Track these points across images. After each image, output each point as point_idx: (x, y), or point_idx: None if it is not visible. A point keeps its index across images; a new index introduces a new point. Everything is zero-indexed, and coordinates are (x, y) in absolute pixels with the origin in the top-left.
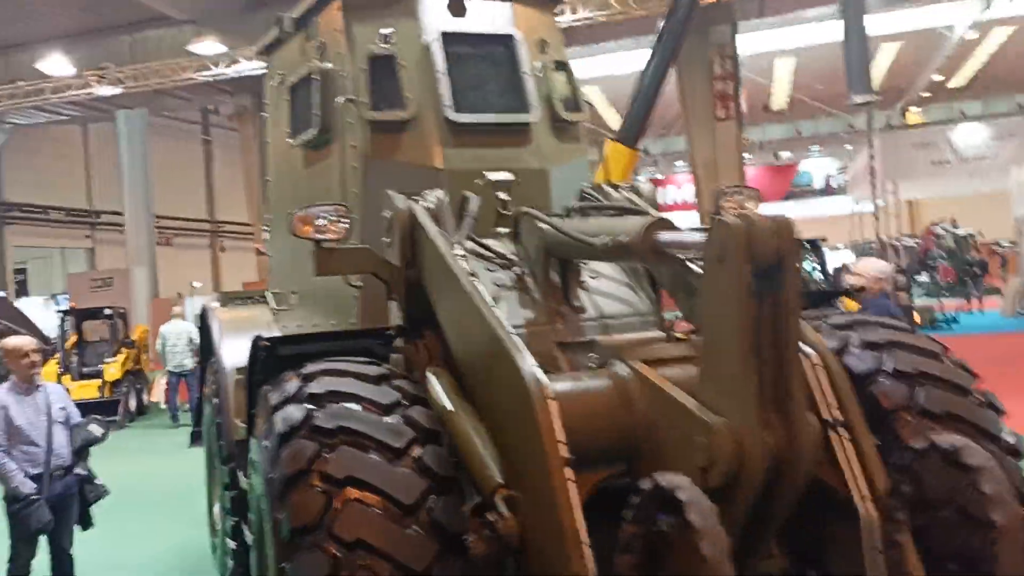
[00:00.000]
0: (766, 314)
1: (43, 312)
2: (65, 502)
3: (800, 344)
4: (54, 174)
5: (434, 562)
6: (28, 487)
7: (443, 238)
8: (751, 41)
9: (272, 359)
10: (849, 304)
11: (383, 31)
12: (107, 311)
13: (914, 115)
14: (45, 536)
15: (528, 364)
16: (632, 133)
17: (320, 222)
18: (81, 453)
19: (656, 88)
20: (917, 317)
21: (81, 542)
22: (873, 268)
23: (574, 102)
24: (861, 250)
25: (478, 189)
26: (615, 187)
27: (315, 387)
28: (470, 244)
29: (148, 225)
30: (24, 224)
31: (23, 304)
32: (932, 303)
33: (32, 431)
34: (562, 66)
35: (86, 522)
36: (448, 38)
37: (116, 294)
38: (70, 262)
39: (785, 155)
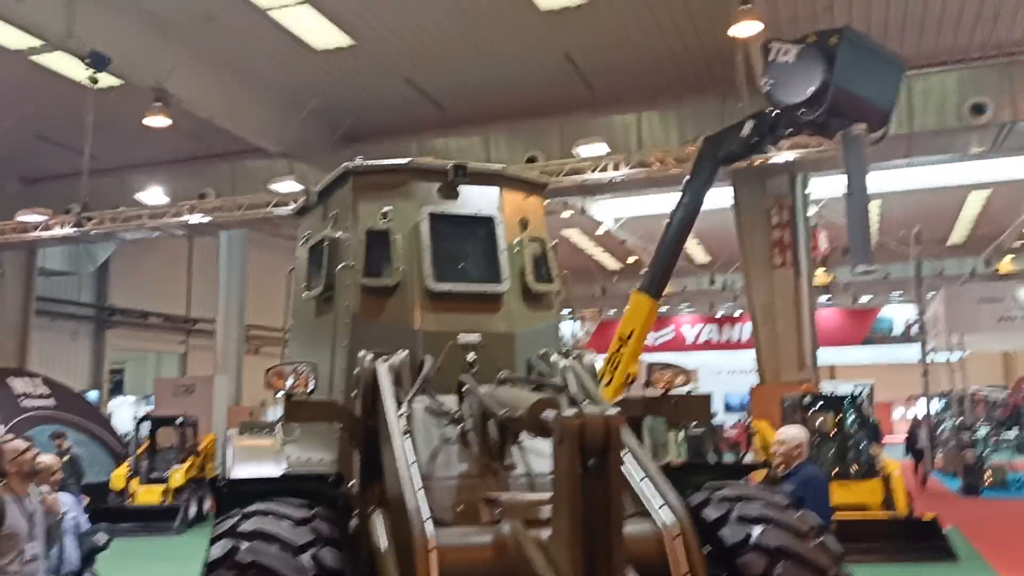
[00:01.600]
0: (594, 494)
1: (132, 411)
2: None
3: (666, 515)
4: (157, 282)
5: None
6: None
7: (392, 398)
8: (835, 183)
9: (233, 495)
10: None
11: (384, 209)
12: (179, 419)
13: (1007, 264)
14: None
15: (419, 518)
16: (654, 284)
17: (290, 380)
18: (88, 560)
19: (679, 242)
20: (988, 477)
21: None
22: (793, 436)
23: (547, 274)
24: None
25: (450, 349)
26: (566, 355)
27: (246, 526)
28: (426, 401)
29: (238, 334)
30: (124, 328)
31: (116, 403)
32: (1005, 461)
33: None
34: (537, 241)
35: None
36: (436, 218)
37: (198, 400)
38: (164, 364)
39: (865, 298)
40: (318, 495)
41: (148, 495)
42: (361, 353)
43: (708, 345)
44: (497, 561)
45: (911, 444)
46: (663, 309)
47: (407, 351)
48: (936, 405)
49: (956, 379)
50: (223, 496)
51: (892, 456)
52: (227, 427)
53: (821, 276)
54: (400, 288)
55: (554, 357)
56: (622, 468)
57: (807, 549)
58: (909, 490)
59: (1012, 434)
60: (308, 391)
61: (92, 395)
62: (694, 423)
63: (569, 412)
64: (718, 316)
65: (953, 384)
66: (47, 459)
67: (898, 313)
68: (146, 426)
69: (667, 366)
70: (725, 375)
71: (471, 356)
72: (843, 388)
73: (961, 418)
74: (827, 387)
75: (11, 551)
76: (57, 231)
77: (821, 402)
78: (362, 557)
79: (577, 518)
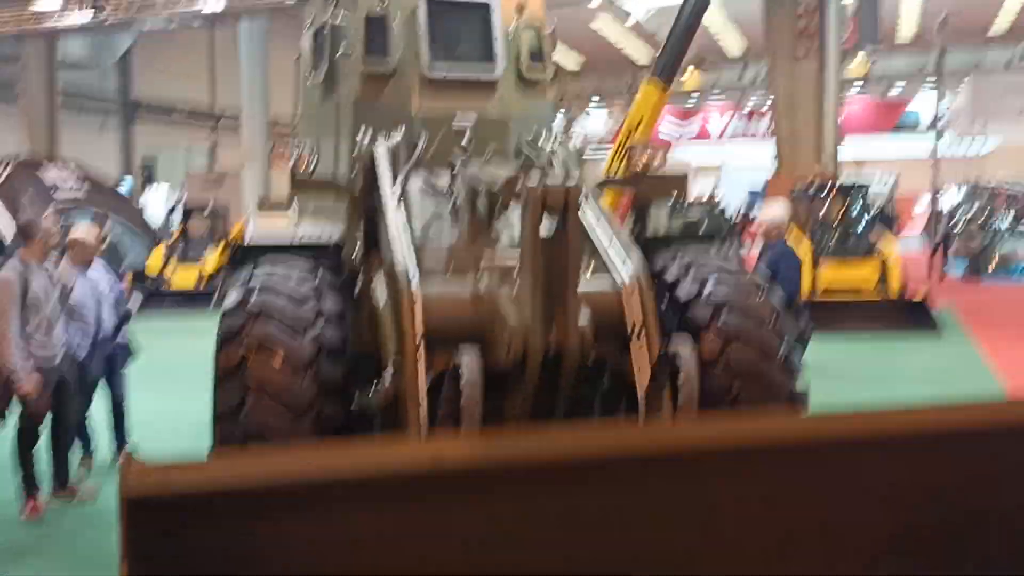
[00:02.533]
0: (553, 254)
1: (165, 200)
2: (114, 363)
3: (626, 272)
4: (180, 75)
5: (315, 402)
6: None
7: (388, 175)
8: None
9: (246, 257)
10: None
11: None
12: (208, 208)
13: None
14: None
15: (404, 266)
16: (665, 70)
17: (292, 160)
18: (122, 325)
19: (691, 27)
20: (993, 263)
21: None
22: (775, 215)
23: (540, 60)
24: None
25: (446, 132)
26: (554, 139)
27: (255, 280)
28: (421, 180)
29: (263, 126)
30: (150, 122)
31: (149, 193)
32: (1011, 251)
33: (84, 308)
34: (533, 27)
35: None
36: (433, 3)
37: (227, 193)
38: (194, 159)
39: (897, 90)
40: (321, 260)
41: (184, 280)
42: (360, 135)
43: (734, 137)
44: (474, 312)
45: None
46: (690, 103)
47: (404, 133)
48: (957, 197)
49: (979, 171)
50: (236, 257)
51: (910, 247)
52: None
53: (858, 66)
54: (398, 73)
55: (542, 141)
56: (593, 234)
57: (752, 303)
58: (907, 275)
59: None
60: (311, 168)
61: (125, 186)
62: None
63: (534, 181)
64: (746, 109)
65: (970, 176)
66: (86, 231)
67: (927, 104)
68: (178, 215)
69: (647, 147)
70: (750, 170)
71: (466, 139)
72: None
73: (974, 207)
74: (849, 179)
75: (36, 316)
76: (74, 19)
77: (827, 190)
78: (365, 317)
79: (538, 274)
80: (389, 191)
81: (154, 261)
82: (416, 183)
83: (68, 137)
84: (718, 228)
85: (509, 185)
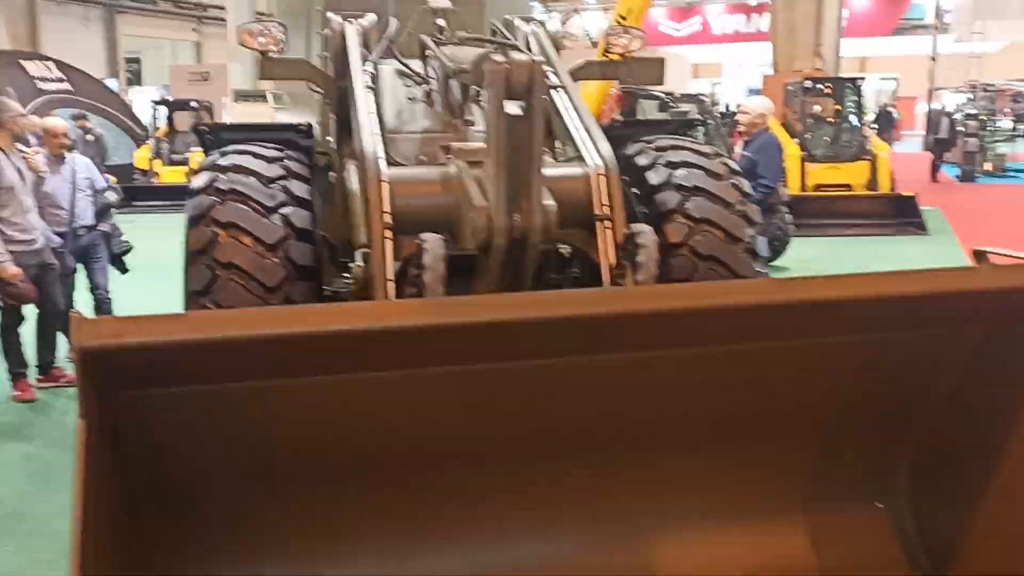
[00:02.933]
0: (517, 132)
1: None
2: (93, 251)
3: (595, 158)
4: None
5: (284, 282)
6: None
7: (358, 56)
8: None
9: (216, 140)
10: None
11: None
12: (193, 103)
13: None
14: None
15: (372, 151)
16: None
17: (262, 38)
18: (102, 214)
19: None
20: (988, 164)
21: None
22: (756, 106)
23: None
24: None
25: (421, 14)
26: (528, 21)
27: (224, 161)
28: (394, 64)
29: (251, 21)
30: (135, 14)
31: (136, 92)
32: (1007, 151)
33: (59, 197)
34: None
35: (122, 268)
36: None
37: (213, 88)
38: (180, 54)
39: None
40: (292, 144)
41: (172, 175)
42: (330, 14)
43: (736, 37)
44: (442, 194)
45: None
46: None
47: (377, 14)
48: (960, 98)
49: (982, 71)
50: (206, 140)
51: (910, 147)
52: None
53: None
54: None
55: (517, 22)
56: (564, 121)
57: (719, 187)
58: (900, 175)
59: None
60: (279, 50)
61: (112, 83)
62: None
63: (498, 58)
64: (746, 5)
65: (973, 76)
66: (55, 121)
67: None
68: (163, 110)
69: (626, 30)
70: (750, 68)
71: (441, 21)
72: (867, 80)
73: (974, 107)
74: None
75: (11, 202)
76: None
77: (820, 87)
78: (339, 204)
79: (502, 154)
80: (360, 73)
81: (141, 156)
82: (389, 67)
83: (50, 32)
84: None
85: (478, 65)
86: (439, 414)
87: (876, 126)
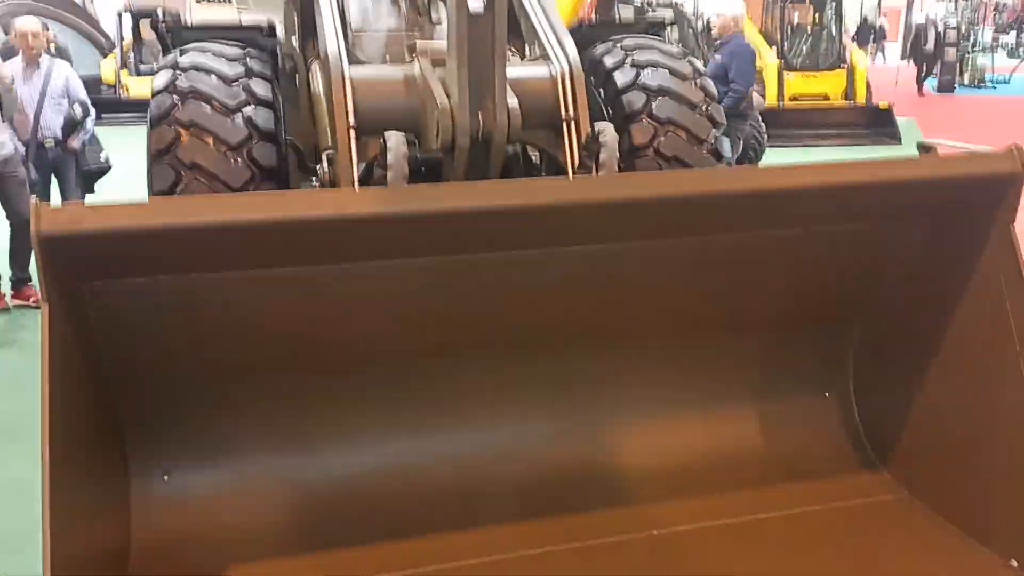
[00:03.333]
0: (479, 31)
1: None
2: (59, 168)
3: (561, 60)
4: None
5: (248, 184)
6: None
7: None
8: None
9: (178, 41)
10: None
11: None
12: (159, 12)
13: None
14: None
15: (336, 51)
16: None
17: None
18: (69, 129)
19: None
20: (967, 77)
21: None
22: (729, 9)
23: None
24: None
25: None
26: None
27: (184, 60)
28: None
29: None
30: None
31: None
32: (986, 63)
33: (28, 104)
34: None
35: (88, 188)
36: None
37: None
38: None
39: None
40: (255, 45)
41: (141, 87)
42: None
43: None
44: (405, 93)
45: (914, 48)
46: None
47: None
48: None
49: None
50: (164, 38)
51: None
52: None
53: None
54: None
55: None
56: (531, 20)
57: (685, 88)
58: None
59: (1010, 38)
60: None
61: None
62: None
63: None
64: None
65: None
66: (24, 21)
67: None
68: (127, 19)
69: None
70: None
71: None
72: None
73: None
74: None
75: None
76: None
77: None
78: (305, 106)
79: (465, 51)
80: None
81: (107, 69)
82: None
83: None
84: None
85: None
86: (403, 306)
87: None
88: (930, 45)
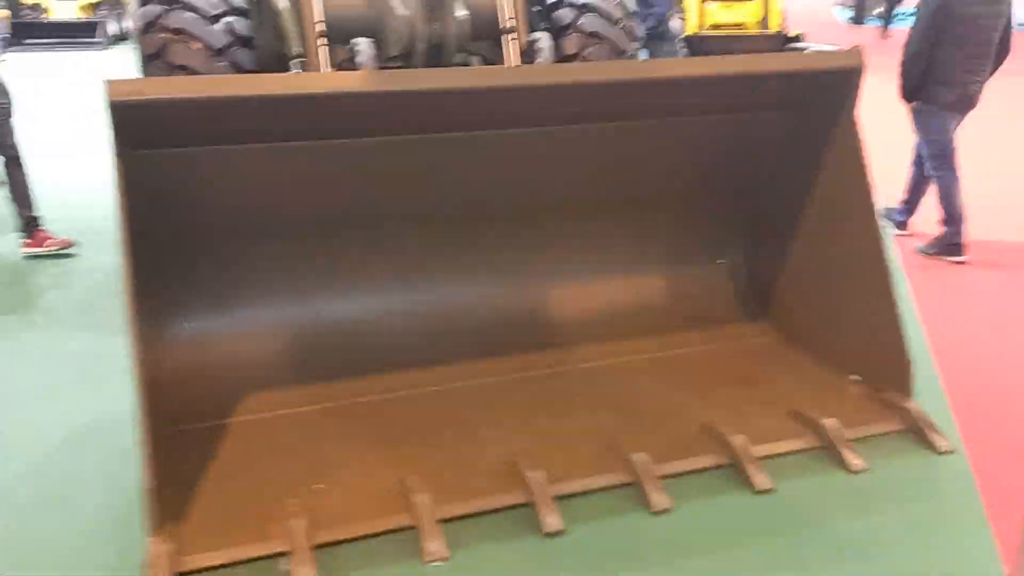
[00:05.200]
0: None
1: None
2: None
3: None
4: None
5: None
6: None
7: None
8: None
9: None
10: None
11: None
12: None
13: None
14: None
15: None
16: None
17: None
18: None
19: None
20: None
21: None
22: None
23: None
24: None
25: None
26: None
27: None
28: None
29: None
30: None
31: None
32: None
33: None
34: None
35: None
36: None
37: None
38: None
39: None
40: None
41: (63, 10)
42: None
43: None
44: (367, 6)
45: None
46: None
47: None
48: None
49: None
50: None
51: None
52: None
53: None
54: None
55: None
56: None
57: (607, 6)
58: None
59: None
60: None
61: None
62: None
63: None
64: None
65: None
66: None
67: None
68: None
69: None
70: None
71: None
72: None
73: None
74: None
75: None
76: None
77: None
78: (268, 19)
79: None
80: None
81: None
82: None
83: None
84: None
85: None
86: (378, 179)
87: None
88: None
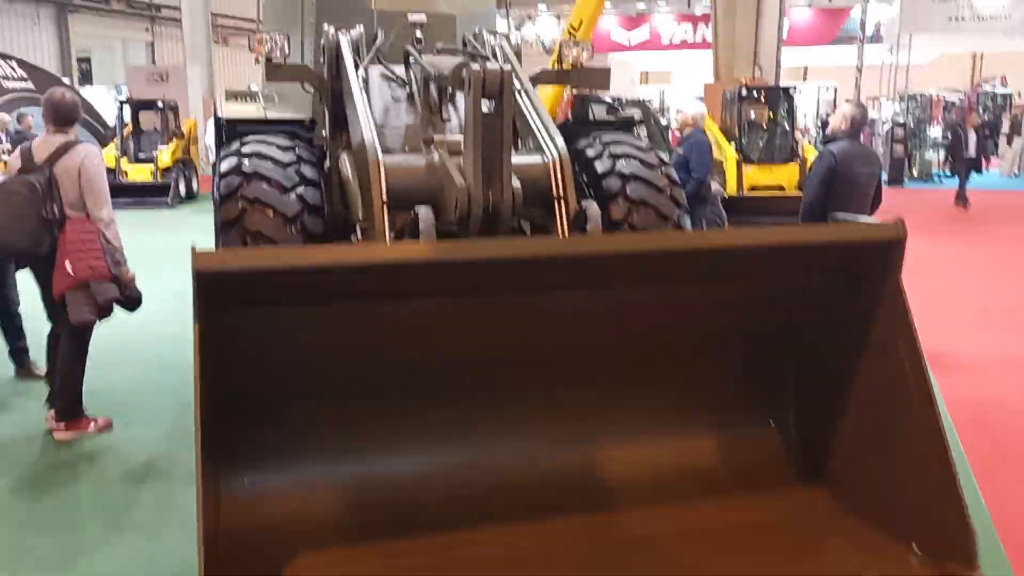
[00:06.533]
0: (491, 126)
1: (106, 100)
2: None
3: (552, 150)
4: None
5: None
6: None
7: (352, 61)
8: None
9: (231, 132)
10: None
11: None
12: (160, 103)
13: None
14: None
15: (372, 141)
16: None
17: (267, 45)
18: None
19: None
20: (915, 171)
21: None
22: (689, 110)
23: None
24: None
25: (401, 27)
26: (494, 34)
27: (246, 148)
28: (380, 69)
29: (205, 22)
30: (87, 12)
31: (89, 92)
32: (933, 158)
33: None
34: None
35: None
36: None
37: (172, 89)
38: (131, 54)
39: None
40: (297, 136)
41: (139, 173)
42: (326, 26)
43: (684, 45)
44: (427, 178)
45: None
46: (640, 6)
47: (363, 27)
48: (896, 107)
49: (917, 80)
50: (224, 131)
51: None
52: (204, 116)
53: None
54: None
55: (486, 36)
56: (527, 119)
57: (652, 175)
58: None
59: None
60: (284, 56)
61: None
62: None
63: (475, 66)
64: (695, 15)
65: (907, 85)
66: None
67: (870, 14)
68: (128, 110)
69: (577, 42)
70: (695, 75)
71: (418, 33)
72: (807, 88)
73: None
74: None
75: None
76: None
77: (755, 95)
78: (335, 187)
79: (479, 145)
80: (354, 76)
81: (107, 155)
82: (376, 72)
83: (2, 31)
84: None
85: (457, 72)
86: (432, 338)
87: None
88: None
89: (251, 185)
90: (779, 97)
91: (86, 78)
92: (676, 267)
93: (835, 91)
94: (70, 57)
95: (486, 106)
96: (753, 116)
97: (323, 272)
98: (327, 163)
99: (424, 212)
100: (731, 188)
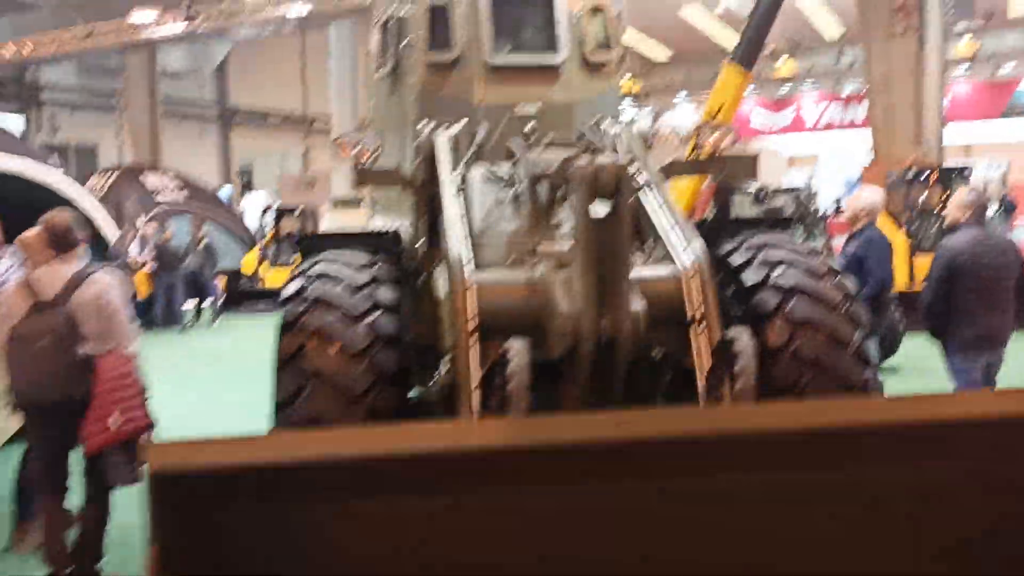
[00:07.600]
0: (604, 234)
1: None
2: None
3: (686, 257)
4: (274, 81)
5: (370, 390)
6: None
7: (448, 163)
8: None
9: (310, 248)
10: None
11: None
12: (299, 209)
13: None
14: None
15: (458, 254)
16: (747, 53)
17: (356, 148)
18: None
19: (772, 8)
20: None
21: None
22: (860, 201)
23: (606, 43)
24: None
25: (509, 120)
26: (616, 122)
27: (315, 269)
28: (483, 168)
29: (353, 128)
30: (247, 127)
31: (249, 198)
32: None
33: None
34: (598, 11)
35: None
36: None
37: (319, 193)
38: (288, 163)
39: (1007, 68)
40: (383, 249)
41: (277, 278)
42: (421, 124)
43: (831, 126)
44: (527, 297)
45: None
46: (783, 90)
47: (465, 121)
48: None
49: None
50: (302, 248)
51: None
52: None
53: (965, 46)
54: (460, 61)
55: (605, 124)
56: (656, 220)
57: (818, 287)
58: None
59: None
60: (372, 159)
61: (225, 191)
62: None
63: (583, 161)
64: (843, 95)
65: None
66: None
67: None
68: (270, 216)
69: (716, 127)
70: (846, 158)
71: (529, 126)
72: (976, 167)
73: None
74: (964, 166)
75: None
76: (169, 29)
77: (926, 176)
78: (427, 309)
79: (590, 257)
80: (448, 180)
81: (248, 261)
82: (478, 172)
83: (170, 145)
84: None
85: (562, 168)
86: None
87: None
88: None
89: (314, 314)
90: (952, 178)
91: (247, 186)
92: (870, 446)
93: (1007, 168)
94: (230, 168)
95: (599, 208)
96: (922, 201)
97: (311, 470)
98: (421, 279)
99: (517, 347)
100: (902, 281)
